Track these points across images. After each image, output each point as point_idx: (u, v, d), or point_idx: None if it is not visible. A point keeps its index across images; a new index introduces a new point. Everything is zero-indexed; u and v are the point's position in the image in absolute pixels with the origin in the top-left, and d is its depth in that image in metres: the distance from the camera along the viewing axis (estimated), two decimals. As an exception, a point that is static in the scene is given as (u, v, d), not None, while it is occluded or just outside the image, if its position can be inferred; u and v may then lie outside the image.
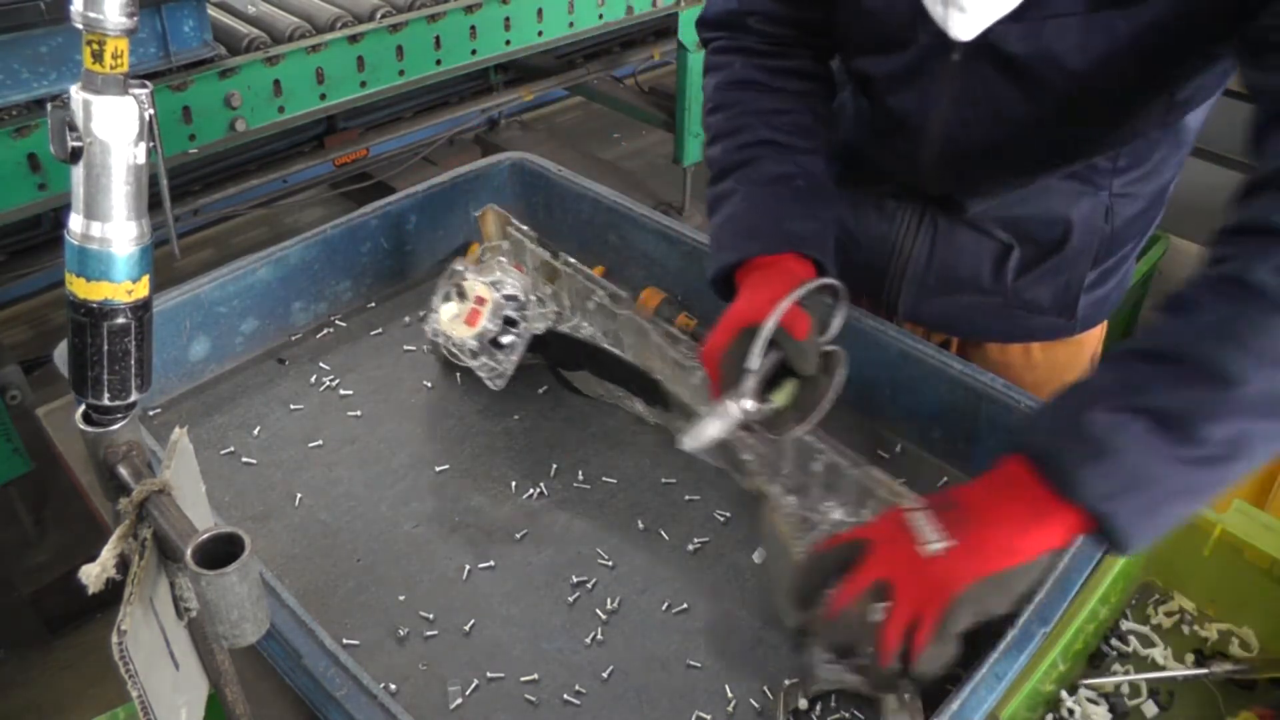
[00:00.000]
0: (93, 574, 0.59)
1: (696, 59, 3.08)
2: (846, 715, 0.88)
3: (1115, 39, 0.87)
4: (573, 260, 1.21)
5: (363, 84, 2.51)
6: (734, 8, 1.11)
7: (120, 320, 0.65)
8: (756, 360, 0.90)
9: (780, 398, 0.93)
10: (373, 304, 1.39)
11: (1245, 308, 0.69)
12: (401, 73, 2.58)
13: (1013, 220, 1.13)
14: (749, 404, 0.91)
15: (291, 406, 1.20)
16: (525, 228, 1.24)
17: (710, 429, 0.91)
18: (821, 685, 0.89)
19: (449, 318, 1.16)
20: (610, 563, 1.02)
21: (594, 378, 1.19)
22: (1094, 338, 1.27)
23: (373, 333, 1.34)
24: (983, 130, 1.01)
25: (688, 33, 3.00)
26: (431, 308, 1.20)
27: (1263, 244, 0.70)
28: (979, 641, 0.81)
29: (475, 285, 1.16)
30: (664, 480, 1.12)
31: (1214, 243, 0.76)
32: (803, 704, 0.88)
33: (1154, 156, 1.08)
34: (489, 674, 0.91)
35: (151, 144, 0.65)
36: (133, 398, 0.68)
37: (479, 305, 1.15)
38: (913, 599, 0.77)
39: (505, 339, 1.16)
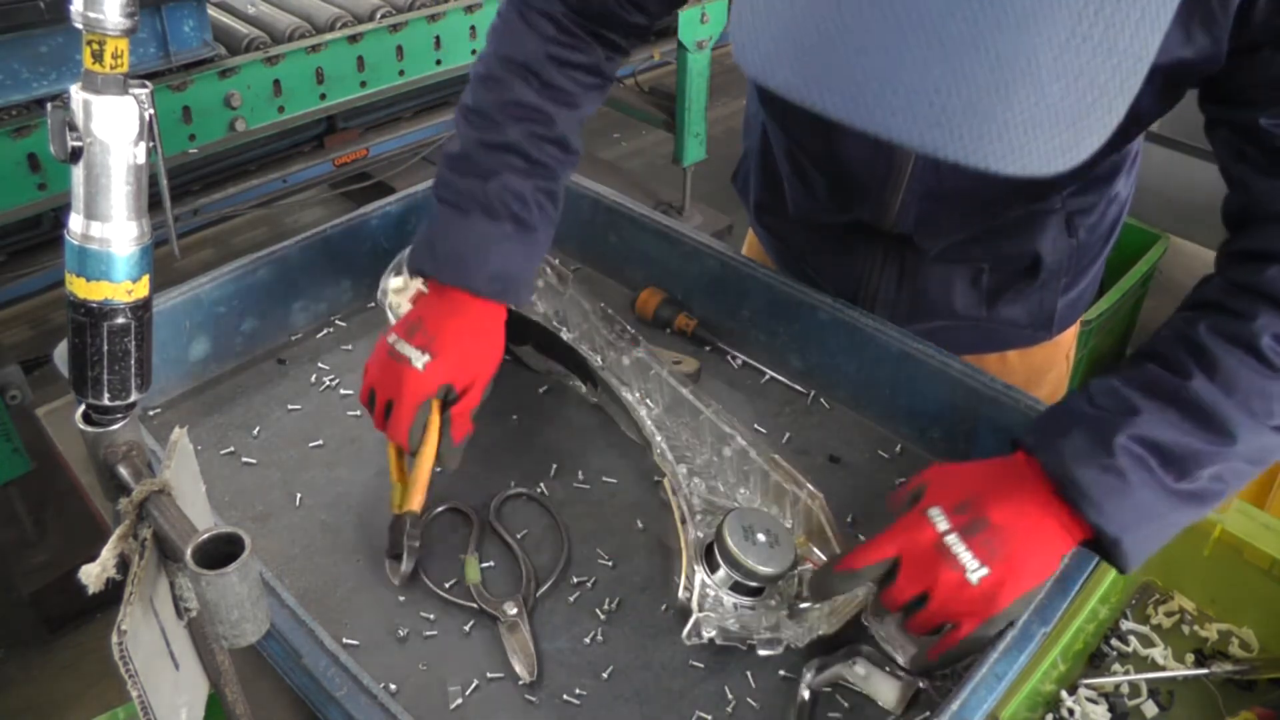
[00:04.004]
0: (93, 574, 0.59)
1: (697, 59, 3.08)
2: (845, 707, 0.88)
3: None
4: None
5: (363, 84, 2.51)
6: None
7: (120, 320, 0.66)
8: None
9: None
10: (372, 304, 1.39)
11: (1253, 375, 0.81)
12: (401, 73, 2.58)
13: (980, 254, 1.12)
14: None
15: (291, 406, 1.20)
16: None
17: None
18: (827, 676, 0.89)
19: (395, 289, 1.19)
20: (610, 563, 1.02)
21: (537, 353, 1.23)
22: (1069, 336, 1.28)
23: (373, 333, 1.34)
24: (954, 178, 1.00)
25: (688, 33, 3.00)
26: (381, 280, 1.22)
27: (1272, 314, 0.82)
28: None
29: None
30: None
31: (1226, 287, 0.86)
32: (805, 694, 0.88)
33: (1098, 168, 1.08)
34: (489, 674, 0.91)
35: (151, 144, 0.65)
36: (133, 398, 0.68)
37: None
38: (950, 613, 0.80)
39: None
